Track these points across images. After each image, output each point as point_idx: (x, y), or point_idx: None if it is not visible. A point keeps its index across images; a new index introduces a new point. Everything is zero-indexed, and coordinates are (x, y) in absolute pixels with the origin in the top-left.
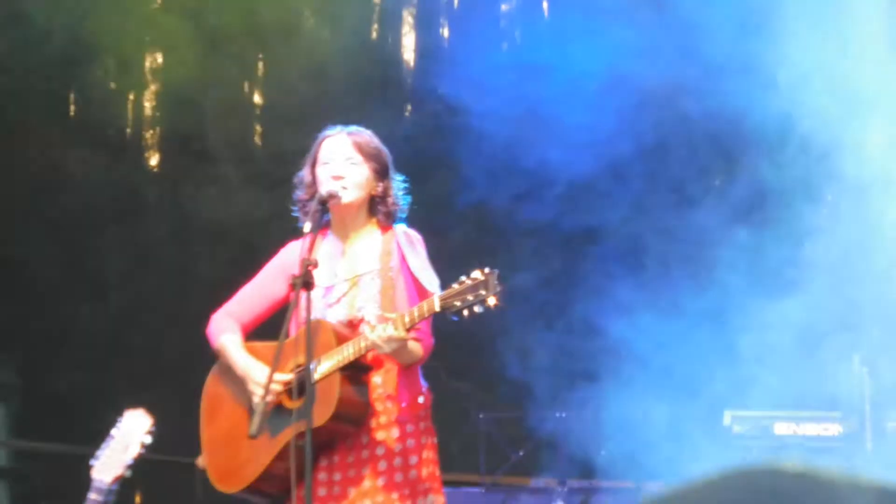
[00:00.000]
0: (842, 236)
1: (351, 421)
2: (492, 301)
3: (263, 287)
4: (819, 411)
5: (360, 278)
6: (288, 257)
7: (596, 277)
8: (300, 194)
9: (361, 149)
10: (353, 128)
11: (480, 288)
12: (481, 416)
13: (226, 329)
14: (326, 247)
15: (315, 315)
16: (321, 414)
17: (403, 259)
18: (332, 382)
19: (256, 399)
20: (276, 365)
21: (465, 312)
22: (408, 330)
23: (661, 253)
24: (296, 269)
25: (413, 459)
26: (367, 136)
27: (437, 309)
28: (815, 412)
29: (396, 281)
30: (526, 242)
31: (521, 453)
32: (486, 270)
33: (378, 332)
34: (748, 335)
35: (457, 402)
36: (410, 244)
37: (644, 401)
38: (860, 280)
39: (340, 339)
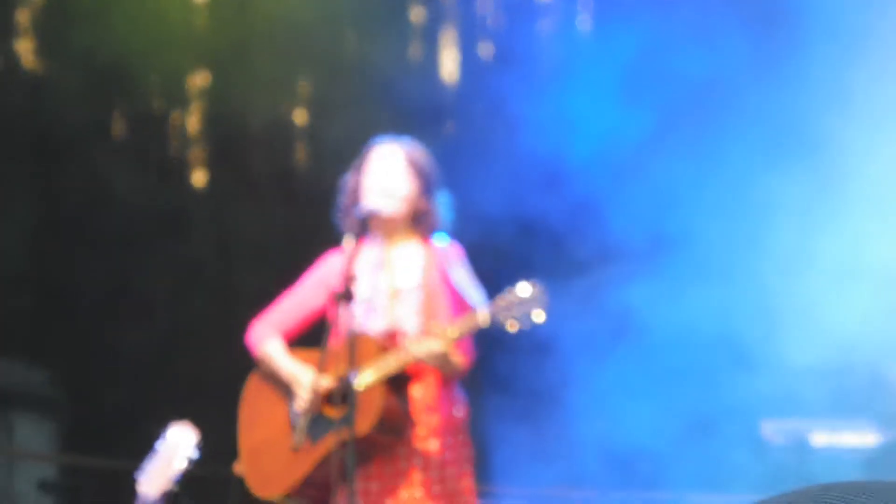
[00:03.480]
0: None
1: (392, 431)
2: (540, 317)
3: (303, 298)
4: (856, 420)
5: (401, 291)
6: (328, 269)
7: (634, 286)
8: (344, 200)
9: (413, 163)
10: (407, 140)
11: (528, 303)
12: (525, 426)
13: (269, 336)
14: (367, 258)
15: (356, 326)
16: (364, 424)
17: (445, 273)
18: (375, 393)
19: (300, 403)
20: (320, 371)
21: (515, 325)
22: (452, 343)
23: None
24: (336, 281)
25: (451, 471)
26: (419, 150)
27: (482, 322)
28: (852, 421)
29: (437, 295)
30: (573, 256)
31: (563, 463)
32: (534, 285)
33: (423, 346)
34: (785, 342)
35: (500, 413)
36: (453, 258)
37: (682, 410)
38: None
39: (383, 351)
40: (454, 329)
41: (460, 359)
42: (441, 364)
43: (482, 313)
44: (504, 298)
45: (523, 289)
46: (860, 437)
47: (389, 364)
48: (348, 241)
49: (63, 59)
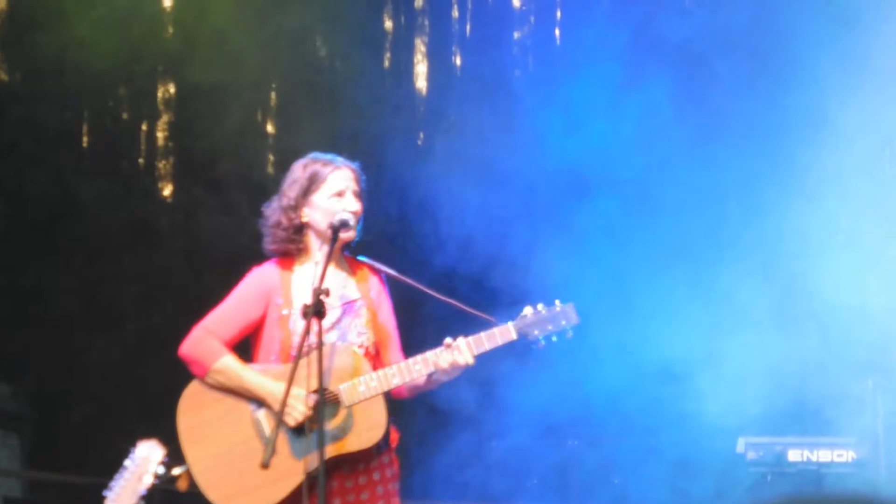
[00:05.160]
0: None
1: (382, 445)
2: (570, 334)
3: (242, 309)
4: (832, 437)
5: (348, 306)
6: (263, 281)
7: (618, 297)
8: (283, 220)
9: (360, 183)
10: (343, 159)
11: (561, 318)
12: (493, 443)
13: (221, 350)
14: (300, 276)
15: (313, 340)
16: (371, 435)
17: (383, 288)
18: (378, 405)
19: (293, 422)
20: (294, 384)
21: (542, 342)
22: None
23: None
24: (273, 294)
25: (398, 486)
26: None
27: (514, 336)
28: (828, 438)
29: (378, 309)
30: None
31: (534, 481)
32: (562, 302)
33: (449, 357)
34: (761, 361)
35: (471, 430)
36: (387, 276)
37: (656, 427)
38: (872, 303)
39: (367, 364)
40: (478, 342)
41: None
42: (451, 377)
43: (512, 327)
44: (533, 314)
45: (555, 306)
46: (835, 454)
47: (407, 373)
48: (319, 258)
49: (30, 69)
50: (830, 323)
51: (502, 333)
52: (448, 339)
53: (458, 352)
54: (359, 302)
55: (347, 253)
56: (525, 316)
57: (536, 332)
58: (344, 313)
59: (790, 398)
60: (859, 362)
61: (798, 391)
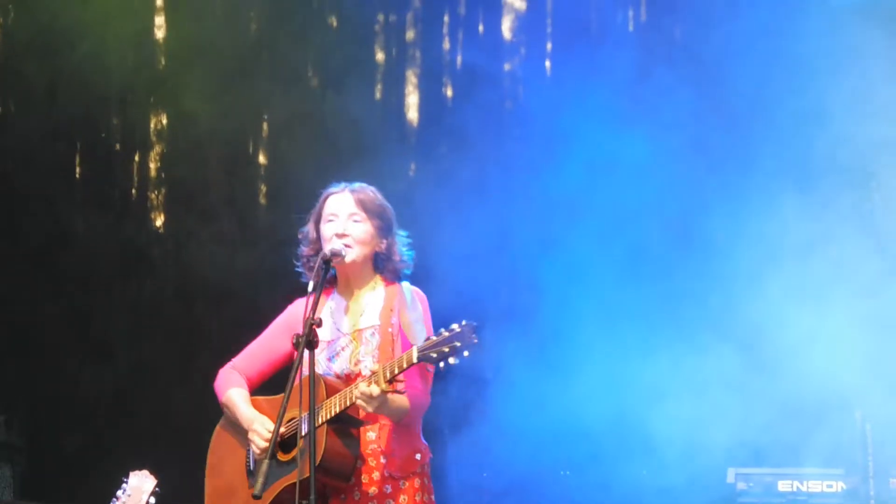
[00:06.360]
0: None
1: (338, 474)
2: (466, 353)
3: (269, 343)
4: (822, 468)
5: (361, 333)
6: (294, 313)
7: (606, 335)
8: (304, 250)
9: (364, 206)
10: (357, 185)
11: (455, 340)
12: (485, 474)
13: (233, 383)
14: (331, 303)
15: (315, 371)
16: (308, 466)
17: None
18: (318, 435)
19: (255, 450)
20: (279, 423)
21: (441, 364)
22: (388, 382)
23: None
24: (299, 325)
25: None
26: (370, 192)
27: (415, 360)
28: (818, 469)
29: (396, 337)
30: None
31: None
32: (463, 323)
33: (361, 390)
34: (751, 392)
35: (465, 459)
36: (410, 302)
37: (648, 459)
38: (862, 335)
39: (330, 393)
40: (389, 368)
41: (403, 400)
42: (378, 407)
43: (415, 350)
44: (435, 337)
45: (453, 327)
46: (825, 485)
47: (333, 406)
48: (311, 289)
49: (23, 100)
50: (818, 353)
51: (407, 358)
52: (374, 366)
53: (375, 377)
54: (371, 329)
55: (389, 276)
56: (429, 338)
57: (434, 355)
58: (351, 341)
59: (779, 429)
60: (847, 393)
61: (787, 422)
